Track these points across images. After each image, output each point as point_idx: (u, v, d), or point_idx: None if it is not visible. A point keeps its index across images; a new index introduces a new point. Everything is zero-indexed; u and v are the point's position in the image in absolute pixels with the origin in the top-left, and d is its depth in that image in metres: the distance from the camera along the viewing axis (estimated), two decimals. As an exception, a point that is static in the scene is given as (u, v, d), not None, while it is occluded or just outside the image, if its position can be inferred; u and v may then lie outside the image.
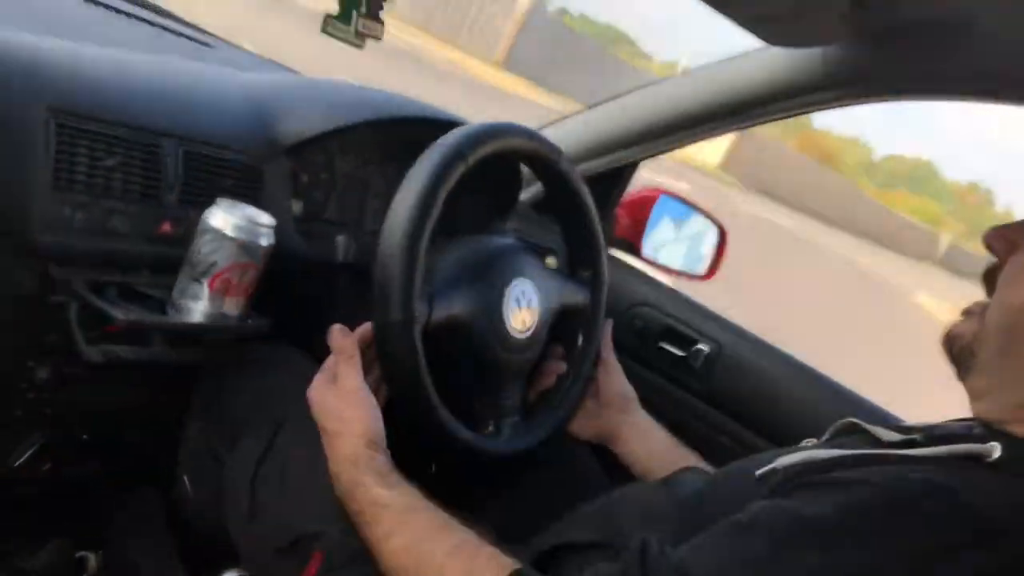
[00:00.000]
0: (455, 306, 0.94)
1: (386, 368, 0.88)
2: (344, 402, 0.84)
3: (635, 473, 1.09)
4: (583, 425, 1.13)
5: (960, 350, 0.72)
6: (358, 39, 0.99)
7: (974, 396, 0.71)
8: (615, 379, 1.14)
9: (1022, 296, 0.67)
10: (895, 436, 0.67)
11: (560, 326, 1.10)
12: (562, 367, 1.13)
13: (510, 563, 0.67)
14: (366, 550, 0.88)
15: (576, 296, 1.11)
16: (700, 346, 1.27)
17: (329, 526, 0.91)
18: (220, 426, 1.00)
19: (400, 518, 0.75)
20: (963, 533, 0.54)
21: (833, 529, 0.56)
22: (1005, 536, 0.53)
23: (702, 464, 1.06)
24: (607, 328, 1.16)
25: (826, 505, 0.58)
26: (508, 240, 1.09)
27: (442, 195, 0.87)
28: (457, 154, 0.88)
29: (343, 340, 0.86)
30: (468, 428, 0.96)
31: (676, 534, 0.77)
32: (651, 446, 1.09)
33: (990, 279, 0.71)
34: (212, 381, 1.02)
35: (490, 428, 1.01)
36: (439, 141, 0.90)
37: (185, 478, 1.07)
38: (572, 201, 1.08)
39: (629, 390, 1.14)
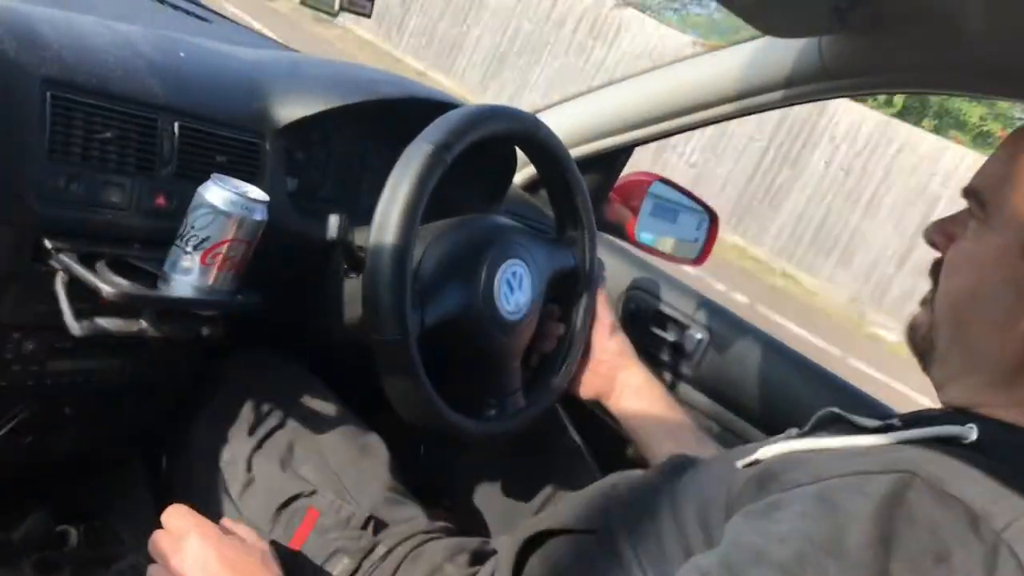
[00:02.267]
0: (447, 305, 0.94)
1: (385, 383, 0.89)
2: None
3: (627, 429, 1.11)
4: (581, 384, 1.14)
5: (921, 339, 0.74)
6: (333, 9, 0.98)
7: (939, 386, 0.73)
8: (610, 335, 1.15)
9: (960, 284, 0.70)
10: (874, 423, 0.69)
11: (555, 289, 1.10)
12: (560, 329, 1.13)
13: None
14: (358, 516, 0.89)
15: (567, 258, 1.11)
16: (691, 331, 1.28)
17: (324, 487, 0.92)
18: (223, 426, 1.01)
19: None
20: (949, 527, 0.54)
21: (837, 541, 0.55)
22: (985, 521, 0.54)
23: (693, 427, 1.08)
24: (601, 285, 1.17)
25: (825, 520, 0.57)
26: (496, 220, 1.09)
27: (424, 200, 0.87)
28: (434, 157, 0.88)
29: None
30: (473, 416, 0.96)
31: (656, 529, 0.78)
32: (645, 403, 1.10)
33: (936, 271, 0.73)
34: (220, 387, 1.03)
35: (493, 410, 1.02)
36: (413, 145, 0.89)
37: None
38: (554, 166, 1.08)
39: (625, 345, 1.15)
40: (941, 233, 0.74)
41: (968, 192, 0.71)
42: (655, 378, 1.13)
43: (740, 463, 0.72)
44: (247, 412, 1.00)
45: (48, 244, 0.79)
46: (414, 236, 0.87)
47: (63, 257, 0.79)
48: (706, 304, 1.31)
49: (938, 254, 0.74)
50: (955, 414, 0.67)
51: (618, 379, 1.12)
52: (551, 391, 1.08)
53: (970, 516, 0.55)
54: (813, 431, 0.75)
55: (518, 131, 1.03)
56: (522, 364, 1.08)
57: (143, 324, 0.84)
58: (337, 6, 1.00)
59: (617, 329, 1.16)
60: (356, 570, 0.87)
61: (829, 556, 0.55)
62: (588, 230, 1.12)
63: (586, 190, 1.11)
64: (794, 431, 0.79)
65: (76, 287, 0.80)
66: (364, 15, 1.03)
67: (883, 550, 0.54)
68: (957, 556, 0.53)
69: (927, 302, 0.74)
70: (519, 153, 1.22)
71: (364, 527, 0.90)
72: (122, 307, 0.83)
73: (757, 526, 0.61)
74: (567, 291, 1.13)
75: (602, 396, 1.13)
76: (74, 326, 0.81)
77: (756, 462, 0.70)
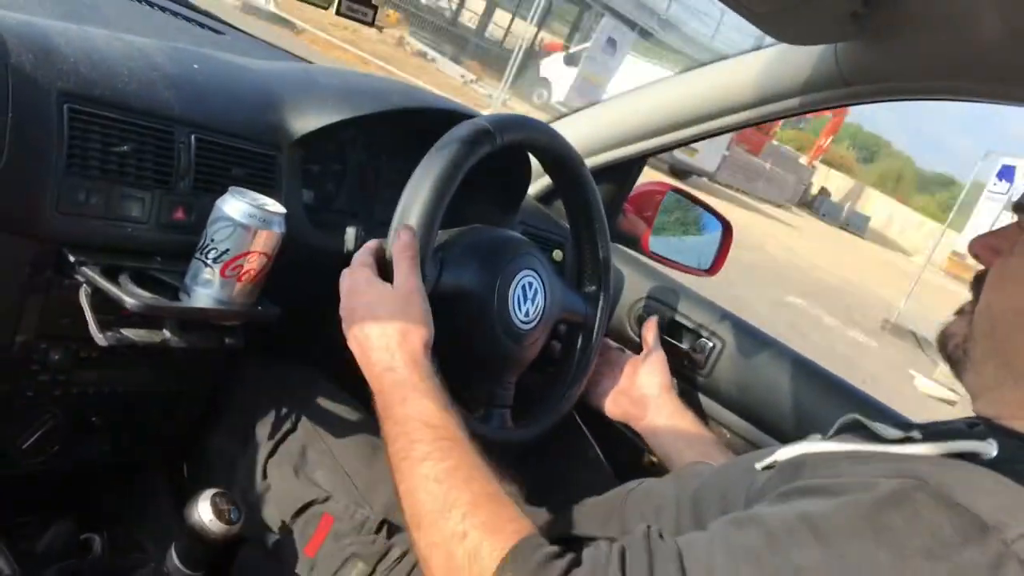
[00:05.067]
0: (465, 278, 0.96)
1: None
2: (406, 300, 0.82)
3: (656, 450, 1.12)
4: (613, 403, 1.17)
5: (954, 348, 0.74)
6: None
7: (973, 394, 0.72)
8: (655, 368, 1.17)
9: (1005, 299, 0.69)
10: (895, 433, 0.68)
11: (562, 332, 1.11)
12: (559, 371, 1.14)
13: (529, 527, 0.67)
14: (372, 520, 0.90)
15: (580, 308, 1.12)
16: (705, 340, 1.28)
17: (338, 492, 0.93)
18: (239, 434, 1.02)
19: (443, 444, 0.73)
20: (955, 531, 0.54)
21: (830, 525, 0.57)
22: (995, 531, 0.54)
23: (724, 449, 1.08)
24: (653, 319, 1.22)
25: (823, 504, 0.59)
26: (518, 236, 1.10)
27: (464, 167, 0.89)
28: (486, 132, 0.90)
29: (410, 237, 0.85)
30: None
31: (677, 531, 0.78)
32: (676, 429, 1.11)
33: (978, 284, 0.73)
34: (237, 395, 1.05)
35: (480, 414, 1.03)
36: (467, 121, 0.92)
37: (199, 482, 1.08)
38: (585, 210, 1.10)
39: (666, 380, 1.17)
40: (987, 247, 0.73)
41: (1019, 207, 0.71)
42: (686, 407, 1.15)
43: (759, 465, 0.73)
44: (263, 418, 1.02)
45: (71, 257, 0.81)
46: (447, 198, 0.88)
47: (86, 270, 0.81)
48: (719, 313, 1.31)
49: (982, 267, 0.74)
50: (978, 428, 0.67)
51: (650, 405, 1.14)
52: (537, 428, 1.08)
53: (978, 524, 0.54)
54: (835, 436, 0.76)
55: (559, 155, 1.05)
56: (514, 390, 1.08)
57: (166, 334, 0.86)
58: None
59: (663, 364, 1.18)
60: (371, 574, 0.88)
61: (814, 536, 0.56)
62: (605, 291, 1.13)
63: (610, 248, 1.13)
64: (816, 436, 0.79)
65: (100, 299, 0.82)
66: (366, 23, 1.04)
67: (872, 540, 0.55)
68: (956, 559, 0.53)
69: (964, 312, 0.74)
70: (534, 163, 1.23)
71: (378, 531, 0.91)
72: (145, 318, 0.84)
73: (765, 505, 0.64)
74: (573, 337, 1.14)
75: (631, 418, 1.15)
76: (99, 337, 0.82)
77: (775, 463, 0.71)
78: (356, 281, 0.84)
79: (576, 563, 0.63)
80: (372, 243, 0.87)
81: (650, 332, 1.22)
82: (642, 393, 1.15)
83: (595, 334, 1.13)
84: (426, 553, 0.69)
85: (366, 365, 0.81)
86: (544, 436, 1.08)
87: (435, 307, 0.89)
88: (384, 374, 0.79)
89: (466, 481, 0.70)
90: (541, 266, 1.04)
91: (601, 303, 1.13)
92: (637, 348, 1.28)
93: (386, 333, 0.80)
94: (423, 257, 0.87)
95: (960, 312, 0.75)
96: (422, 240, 0.86)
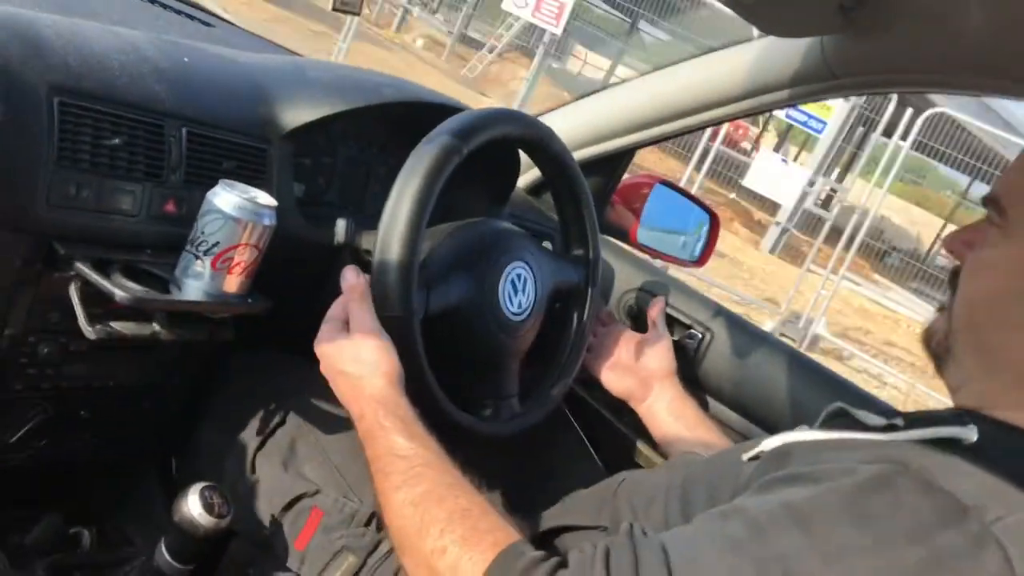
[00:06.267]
0: (452, 295, 0.95)
1: None
2: (362, 343, 0.84)
3: (653, 432, 1.14)
4: (618, 379, 1.17)
5: (937, 345, 0.75)
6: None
7: (952, 388, 0.74)
8: (661, 351, 1.18)
9: (979, 289, 0.71)
10: (879, 420, 0.70)
11: (557, 304, 1.11)
12: (559, 345, 1.14)
13: (509, 535, 0.68)
14: (361, 512, 0.91)
15: (571, 275, 1.12)
16: (694, 332, 1.29)
17: (327, 486, 0.93)
18: (229, 428, 1.02)
19: (413, 472, 0.75)
20: (935, 514, 0.56)
21: (811, 511, 0.58)
22: (975, 513, 0.55)
23: (723, 438, 1.09)
24: (660, 300, 1.23)
25: (805, 491, 0.60)
26: (503, 224, 1.10)
27: (437, 188, 0.89)
28: (451, 147, 0.89)
29: (357, 279, 0.86)
30: (468, 412, 0.97)
31: (666, 520, 0.79)
32: (674, 416, 1.13)
33: (955, 279, 0.75)
34: (225, 388, 1.05)
35: (488, 411, 1.03)
36: (432, 135, 0.91)
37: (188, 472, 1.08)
38: (565, 182, 1.10)
39: (672, 366, 1.18)
40: (960, 241, 0.75)
41: (988, 200, 0.72)
42: (688, 395, 1.16)
43: (746, 456, 0.74)
44: (251, 412, 1.02)
45: (61, 250, 0.81)
46: (424, 223, 0.88)
47: (76, 263, 0.81)
48: (708, 305, 1.31)
49: (957, 262, 0.75)
50: (960, 415, 0.68)
51: (654, 387, 1.15)
52: (545, 407, 1.09)
53: (959, 507, 0.56)
54: (821, 425, 0.77)
55: (532, 138, 1.05)
56: (519, 377, 1.08)
57: (156, 328, 0.86)
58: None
59: (668, 348, 1.19)
60: (361, 567, 0.89)
61: (797, 523, 0.57)
62: (594, 250, 1.13)
63: (594, 208, 1.13)
64: (804, 427, 0.80)
65: (89, 292, 0.82)
66: (354, 13, 1.04)
67: (854, 526, 0.56)
68: (937, 541, 0.55)
69: (944, 309, 0.75)
70: (523, 157, 1.23)
71: (368, 524, 0.92)
72: (135, 311, 0.84)
73: (748, 495, 0.65)
74: (568, 308, 1.14)
75: (633, 398, 1.16)
76: (88, 330, 0.82)
77: (760, 453, 0.73)
78: (322, 338, 0.87)
79: (561, 566, 0.64)
80: (339, 301, 0.89)
81: (657, 313, 1.22)
82: (648, 374, 1.16)
83: (590, 295, 1.13)
84: (412, 574, 0.71)
85: (350, 414, 0.84)
86: (533, 429, 1.08)
87: (430, 329, 0.90)
88: (358, 423, 0.82)
89: (439, 501, 0.72)
90: (527, 251, 1.05)
91: (591, 265, 1.13)
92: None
93: (350, 384, 0.83)
94: (408, 289, 0.87)
95: (941, 309, 0.76)
96: (403, 275, 0.87)
